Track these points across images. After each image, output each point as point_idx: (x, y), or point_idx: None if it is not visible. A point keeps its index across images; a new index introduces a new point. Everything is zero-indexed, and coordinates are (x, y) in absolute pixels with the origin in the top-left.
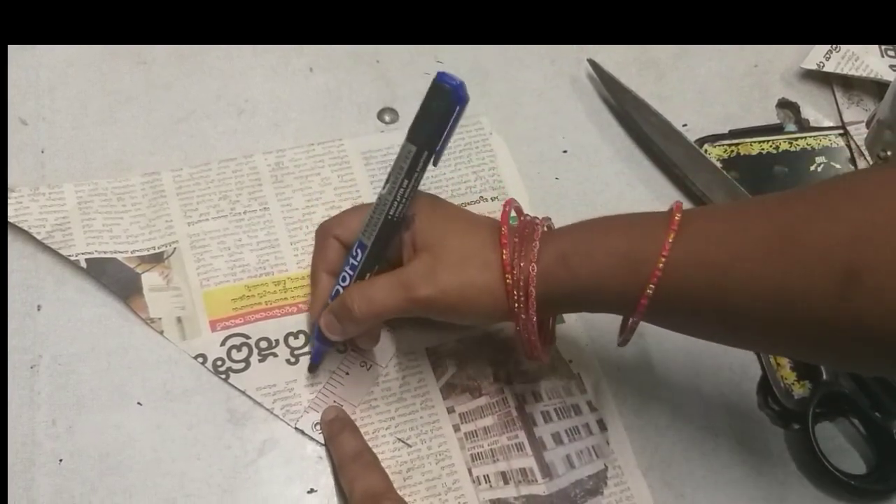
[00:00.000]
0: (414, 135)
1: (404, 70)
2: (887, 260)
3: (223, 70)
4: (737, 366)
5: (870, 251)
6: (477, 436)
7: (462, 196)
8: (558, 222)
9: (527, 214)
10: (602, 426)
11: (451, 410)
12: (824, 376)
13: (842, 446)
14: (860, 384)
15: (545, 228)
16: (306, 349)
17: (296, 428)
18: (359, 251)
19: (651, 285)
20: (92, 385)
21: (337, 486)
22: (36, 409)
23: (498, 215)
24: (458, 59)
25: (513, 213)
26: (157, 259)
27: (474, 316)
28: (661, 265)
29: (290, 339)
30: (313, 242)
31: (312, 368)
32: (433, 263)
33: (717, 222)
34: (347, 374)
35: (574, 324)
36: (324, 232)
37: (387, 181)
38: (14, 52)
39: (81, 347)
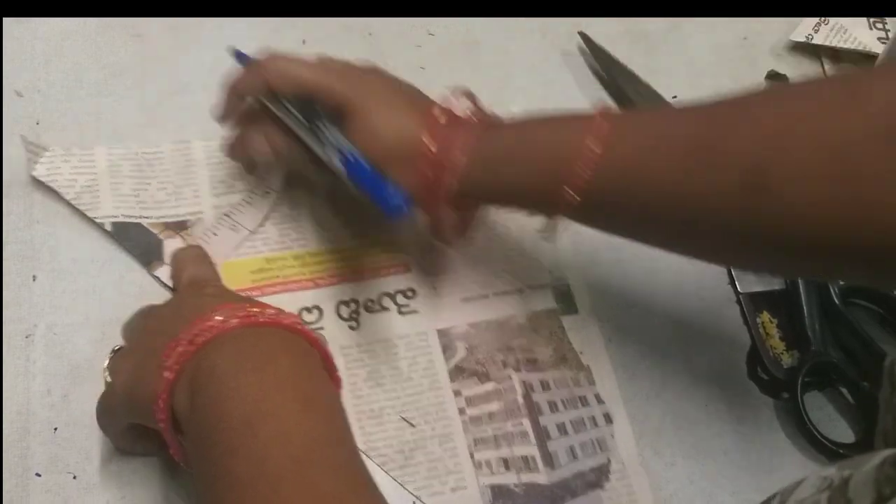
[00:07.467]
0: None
1: (396, 43)
2: (793, 161)
3: (217, 43)
4: (726, 335)
5: (777, 152)
6: (482, 421)
7: None
8: None
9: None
10: (608, 419)
11: (457, 394)
12: (813, 346)
13: (830, 415)
14: (848, 354)
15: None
16: (319, 324)
17: (152, 276)
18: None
19: (571, 186)
20: (86, 355)
21: None
22: (31, 378)
23: None
24: (450, 32)
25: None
26: (180, 227)
27: (384, 127)
28: (581, 166)
29: (304, 313)
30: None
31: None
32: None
33: (640, 126)
34: (215, 234)
35: (587, 316)
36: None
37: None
38: (9, 24)
39: (76, 318)
